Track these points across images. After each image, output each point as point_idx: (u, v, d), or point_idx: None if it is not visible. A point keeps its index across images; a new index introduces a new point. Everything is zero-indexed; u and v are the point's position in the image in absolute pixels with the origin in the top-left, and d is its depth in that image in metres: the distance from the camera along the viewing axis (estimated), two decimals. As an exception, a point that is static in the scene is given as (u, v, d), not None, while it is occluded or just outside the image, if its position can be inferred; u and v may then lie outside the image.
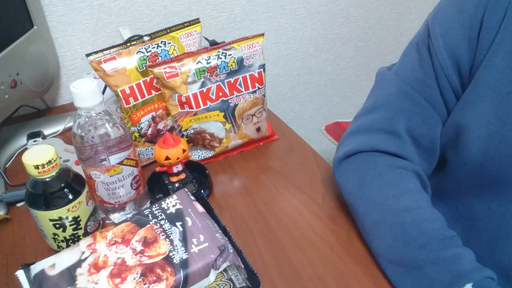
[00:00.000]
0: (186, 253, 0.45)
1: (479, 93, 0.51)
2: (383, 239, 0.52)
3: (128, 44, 0.68)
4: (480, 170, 0.53)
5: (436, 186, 0.62)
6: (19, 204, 0.66)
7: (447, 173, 0.59)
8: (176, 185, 0.64)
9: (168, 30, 0.70)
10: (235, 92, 0.70)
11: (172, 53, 0.70)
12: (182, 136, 0.72)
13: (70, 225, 0.54)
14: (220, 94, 0.69)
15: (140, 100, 0.69)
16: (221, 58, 0.68)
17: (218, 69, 0.68)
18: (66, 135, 0.84)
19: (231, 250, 0.46)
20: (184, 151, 0.62)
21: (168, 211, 0.50)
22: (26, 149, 0.79)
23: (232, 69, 0.69)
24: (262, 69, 0.71)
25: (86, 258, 0.45)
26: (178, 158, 0.62)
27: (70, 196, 0.52)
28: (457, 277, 0.45)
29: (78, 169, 0.59)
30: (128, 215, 0.52)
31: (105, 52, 0.66)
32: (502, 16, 0.49)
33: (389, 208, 0.53)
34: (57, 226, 0.53)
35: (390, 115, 0.58)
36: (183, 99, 0.67)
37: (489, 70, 0.50)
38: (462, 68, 0.53)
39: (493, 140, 0.50)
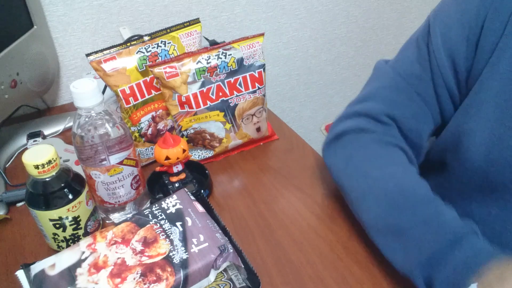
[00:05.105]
0: (186, 253, 0.45)
1: (482, 98, 0.51)
2: (370, 209, 0.53)
3: (128, 44, 0.68)
4: (482, 176, 0.53)
5: (436, 191, 0.61)
6: (19, 204, 0.66)
7: (448, 178, 0.59)
8: (176, 185, 0.64)
9: (168, 30, 0.70)
10: (235, 92, 0.70)
11: (172, 53, 0.70)
12: (182, 136, 0.72)
13: (70, 225, 0.54)
14: (220, 94, 0.69)
15: (140, 100, 0.69)
16: (221, 58, 0.68)
17: (218, 69, 0.68)
18: (66, 135, 0.83)
19: (231, 250, 0.46)
20: (184, 151, 0.62)
21: (168, 211, 0.50)
22: (26, 149, 0.78)
23: (232, 69, 0.69)
24: (262, 69, 0.71)
25: (86, 258, 0.45)
26: (178, 158, 0.62)
27: (70, 196, 0.52)
28: (441, 235, 0.45)
29: (78, 169, 0.59)
30: (128, 215, 0.52)
31: (105, 52, 0.66)
32: (506, 20, 0.48)
33: (373, 178, 0.54)
34: (57, 226, 0.53)
35: (381, 106, 0.59)
36: (183, 99, 0.67)
37: (493, 75, 0.50)
38: (458, 68, 0.53)
39: (495, 145, 0.50)
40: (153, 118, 0.72)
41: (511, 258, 0.41)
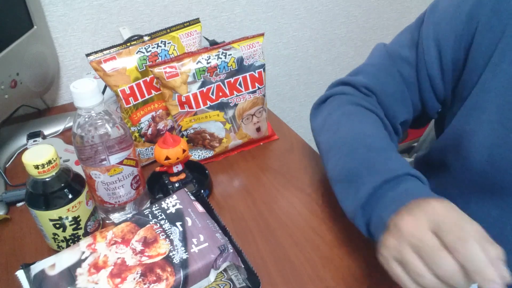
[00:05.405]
0: (186, 253, 0.45)
1: (484, 99, 0.51)
2: (333, 160, 0.55)
3: (128, 44, 0.68)
4: (483, 177, 0.52)
5: (435, 191, 0.61)
6: (19, 204, 0.66)
7: (448, 178, 0.59)
8: (176, 185, 0.64)
9: (168, 30, 0.70)
10: (235, 92, 0.70)
11: (172, 53, 0.70)
12: (182, 136, 0.72)
13: (70, 225, 0.54)
14: (220, 94, 0.69)
15: (140, 100, 0.69)
16: (221, 58, 0.67)
17: (218, 69, 0.68)
18: (66, 135, 0.83)
19: (231, 250, 0.46)
20: (184, 151, 0.62)
21: (168, 211, 0.50)
22: (26, 149, 0.78)
23: (232, 69, 0.69)
24: (262, 69, 0.71)
25: (86, 258, 0.45)
26: (178, 158, 0.62)
27: (70, 196, 0.52)
28: (382, 176, 0.47)
29: (78, 169, 0.59)
30: (128, 215, 0.52)
31: (105, 52, 0.66)
32: (506, 20, 0.48)
33: (341, 132, 0.56)
34: (57, 226, 0.53)
35: (364, 80, 0.62)
36: (183, 99, 0.67)
37: (494, 76, 0.49)
38: (444, 59, 0.54)
39: (497, 147, 0.50)
40: (153, 118, 0.72)
41: (435, 197, 0.42)
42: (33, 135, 0.80)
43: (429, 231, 0.36)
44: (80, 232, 0.55)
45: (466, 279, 0.34)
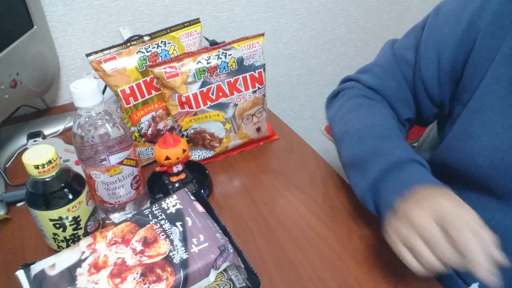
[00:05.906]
0: (186, 253, 0.45)
1: (487, 102, 0.51)
2: (345, 148, 0.59)
3: (128, 44, 0.68)
4: (486, 181, 0.52)
5: None
6: (19, 204, 0.66)
7: (452, 181, 0.58)
8: (176, 185, 0.64)
9: (168, 30, 0.70)
10: (235, 92, 0.70)
11: (172, 53, 0.70)
12: (182, 136, 0.72)
13: (70, 225, 0.54)
14: (220, 94, 0.69)
15: (140, 100, 0.69)
16: (221, 58, 0.68)
17: (218, 69, 0.68)
18: (66, 135, 0.83)
19: (231, 250, 0.46)
20: (184, 151, 0.62)
21: (168, 211, 0.50)
22: (26, 149, 0.78)
23: (232, 69, 0.69)
24: (262, 69, 0.71)
25: (86, 258, 0.45)
26: (178, 158, 0.62)
27: (70, 196, 0.52)
28: (388, 160, 0.51)
29: (78, 169, 0.59)
30: (128, 215, 0.52)
31: (105, 52, 0.66)
32: (508, 26, 0.48)
33: (353, 122, 0.60)
34: (57, 226, 0.53)
35: (371, 81, 0.65)
36: (183, 99, 0.67)
37: (497, 80, 0.49)
38: (442, 62, 0.55)
39: (500, 151, 0.50)
40: (153, 118, 0.72)
41: (438, 186, 0.47)
42: (33, 135, 0.80)
43: (435, 224, 0.42)
44: (80, 232, 0.55)
45: (463, 260, 0.40)
